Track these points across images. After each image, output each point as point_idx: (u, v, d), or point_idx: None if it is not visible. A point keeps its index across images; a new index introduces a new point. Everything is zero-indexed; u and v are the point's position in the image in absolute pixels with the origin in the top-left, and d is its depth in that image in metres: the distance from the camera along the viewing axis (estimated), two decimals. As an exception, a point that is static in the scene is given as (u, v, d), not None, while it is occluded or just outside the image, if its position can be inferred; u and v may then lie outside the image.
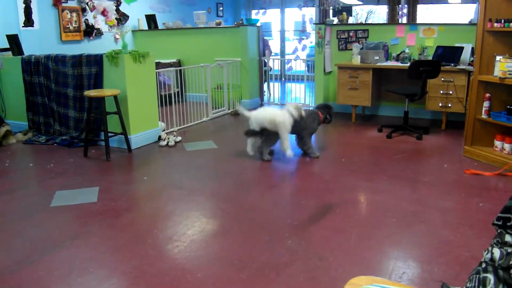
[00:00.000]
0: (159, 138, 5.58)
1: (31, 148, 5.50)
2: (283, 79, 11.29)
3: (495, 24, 4.37)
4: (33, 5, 6.92)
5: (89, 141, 5.13)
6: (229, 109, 7.56)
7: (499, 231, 1.26)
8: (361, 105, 6.61)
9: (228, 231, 3.13)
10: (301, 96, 8.17)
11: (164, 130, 5.88)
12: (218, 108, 7.46)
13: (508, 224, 1.22)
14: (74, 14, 7.67)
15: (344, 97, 6.57)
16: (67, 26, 7.56)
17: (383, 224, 3.17)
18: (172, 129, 6.12)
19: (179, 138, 5.61)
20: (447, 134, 5.81)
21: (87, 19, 7.96)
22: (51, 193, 3.89)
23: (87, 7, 7.92)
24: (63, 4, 7.45)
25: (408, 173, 4.31)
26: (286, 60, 11.08)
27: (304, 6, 10.78)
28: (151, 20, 9.15)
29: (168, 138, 5.49)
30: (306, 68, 9.15)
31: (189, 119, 6.70)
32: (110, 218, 3.35)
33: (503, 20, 4.30)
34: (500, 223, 1.26)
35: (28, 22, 6.88)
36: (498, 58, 4.34)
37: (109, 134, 4.97)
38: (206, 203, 3.72)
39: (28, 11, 6.85)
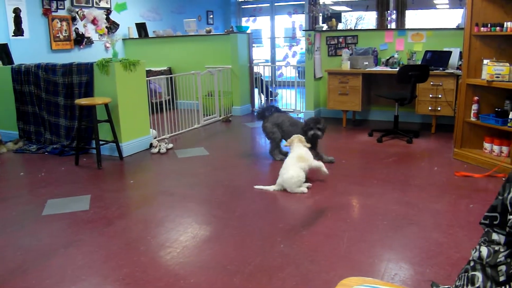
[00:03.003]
0: (151, 145, 5.57)
1: (22, 157, 5.47)
2: (274, 86, 11.33)
3: (482, 28, 4.43)
4: (23, 15, 6.92)
5: (80, 149, 5.12)
6: (220, 116, 7.57)
7: (486, 229, 1.28)
8: (352, 110, 6.65)
9: (221, 236, 3.13)
10: (292, 102, 8.20)
11: (155, 138, 5.88)
12: (209, 115, 7.47)
13: (495, 222, 1.24)
14: (64, 23, 7.67)
15: (334, 102, 6.61)
16: (57, 35, 7.56)
17: (375, 227, 3.19)
18: (163, 137, 6.12)
19: (170, 145, 5.61)
20: (437, 137, 5.86)
21: (77, 28, 7.96)
22: (43, 201, 3.88)
23: (77, 16, 7.92)
24: (53, 13, 7.45)
25: (399, 176, 4.34)
26: (276, 67, 11.13)
27: (293, 13, 10.84)
28: (141, 28, 9.16)
29: (160, 146, 5.49)
30: (297, 74, 9.19)
31: (180, 126, 6.71)
32: (102, 226, 3.34)
33: (489, 25, 4.36)
34: (487, 222, 1.28)
35: (18, 31, 6.87)
36: (485, 61, 4.40)
37: (101, 142, 4.96)
38: (198, 209, 3.72)
39: (17, 21, 6.85)
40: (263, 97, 9.27)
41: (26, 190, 4.31)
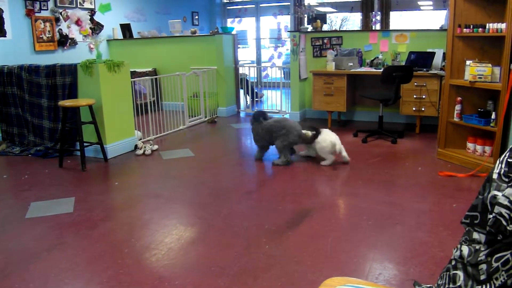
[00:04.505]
0: (136, 147, 5.54)
1: (5, 159, 5.40)
2: (260, 87, 11.34)
3: (464, 29, 4.48)
4: (5, 15, 6.82)
5: (64, 151, 5.07)
6: (205, 117, 7.55)
7: (467, 229, 1.30)
8: (337, 110, 6.69)
9: (206, 238, 3.13)
10: (278, 103, 8.21)
11: (140, 139, 5.84)
12: (195, 116, 7.45)
13: (475, 222, 1.25)
14: (47, 24, 7.59)
15: (319, 103, 6.63)
16: (41, 36, 7.47)
17: (360, 227, 3.21)
18: (148, 138, 6.08)
19: (155, 147, 5.58)
20: (421, 137, 5.92)
21: (61, 29, 7.88)
22: (26, 204, 3.83)
23: (60, 17, 7.84)
24: (36, 14, 7.37)
25: (384, 176, 4.37)
26: (262, 68, 11.13)
27: (279, 14, 10.87)
28: (126, 29, 9.09)
29: (145, 147, 5.45)
30: (282, 75, 9.20)
31: (165, 128, 6.68)
32: (87, 229, 3.31)
33: (471, 26, 4.42)
34: (468, 221, 1.29)
35: (1, 32, 6.78)
36: (468, 62, 4.45)
37: (85, 144, 4.92)
38: (183, 211, 3.71)
39: (0, 21, 6.75)
40: (248, 98, 9.26)
41: (9, 193, 4.26)
